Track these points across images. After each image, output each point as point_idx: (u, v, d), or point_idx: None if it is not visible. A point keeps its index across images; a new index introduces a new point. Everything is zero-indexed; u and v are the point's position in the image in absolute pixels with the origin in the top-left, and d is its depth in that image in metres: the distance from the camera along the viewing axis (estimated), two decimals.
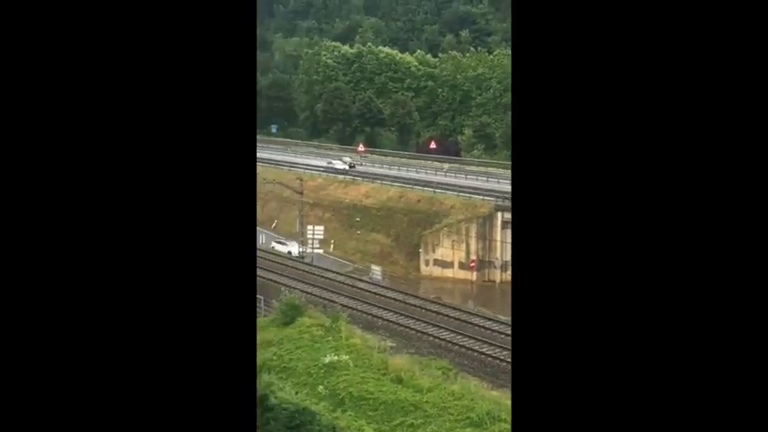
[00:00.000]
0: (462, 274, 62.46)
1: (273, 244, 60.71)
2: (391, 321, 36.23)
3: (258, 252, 55.36)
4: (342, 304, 38.12)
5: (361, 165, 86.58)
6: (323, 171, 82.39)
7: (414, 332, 34.53)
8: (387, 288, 45.07)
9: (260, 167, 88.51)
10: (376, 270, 56.79)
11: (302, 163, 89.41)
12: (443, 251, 63.25)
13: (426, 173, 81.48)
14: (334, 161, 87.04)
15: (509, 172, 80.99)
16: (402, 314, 37.45)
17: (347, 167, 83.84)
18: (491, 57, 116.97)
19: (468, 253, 62.55)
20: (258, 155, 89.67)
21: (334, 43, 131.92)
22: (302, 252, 58.88)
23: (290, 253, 58.63)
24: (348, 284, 45.02)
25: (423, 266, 64.28)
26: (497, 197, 63.58)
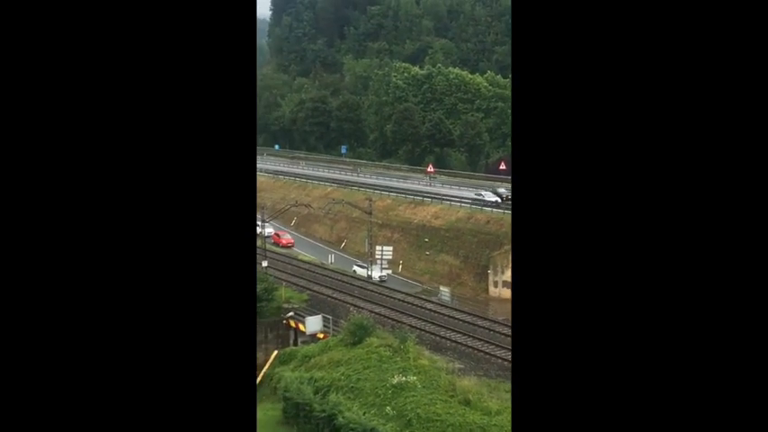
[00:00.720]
0: None
1: (355, 267, 59.52)
2: (459, 343, 36.00)
3: (329, 272, 55.66)
4: (410, 325, 38.03)
5: (430, 185, 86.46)
6: (391, 191, 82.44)
7: (482, 354, 34.25)
8: (455, 309, 44.82)
9: (329, 188, 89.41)
10: (445, 291, 56.54)
11: (432, 192, 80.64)
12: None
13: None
14: (483, 192, 76.19)
15: None
16: (470, 336, 37.19)
17: (499, 200, 71.80)
18: None
19: None
20: (327, 174, 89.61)
21: (404, 64, 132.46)
22: (383, 277, 57.73)
23: (370, 277, 56.99)
24: (417, 305, 44.91)
25: (491, 288, 63.76)
26: None
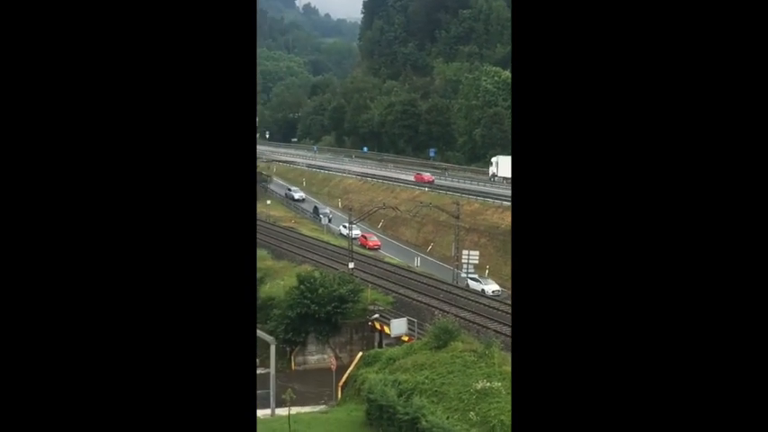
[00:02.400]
0: None
1: (468, 281, 57.97)
2: None
3: (415, 275, 55.65)
4: (495, 330, 37.77)
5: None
6: (478, 196, 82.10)
7: None
8: None
9: (417, 191, 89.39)
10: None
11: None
12: None
13: None
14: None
15: None
16: None
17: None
18: None
19: None
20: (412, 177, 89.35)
21: (494, 68, 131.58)
22: (497, 291, 55.64)
23: (483, 291, 54.60)
24: (502, 311, 44.57)
25: None
26: None
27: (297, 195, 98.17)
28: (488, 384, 29.21)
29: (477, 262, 59.33)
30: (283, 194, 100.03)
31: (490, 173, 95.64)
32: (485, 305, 46.03)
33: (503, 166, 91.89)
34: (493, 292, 55.20)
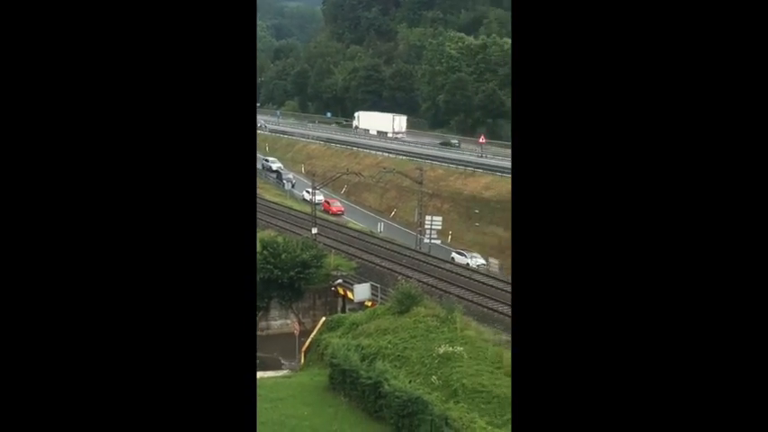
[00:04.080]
0: None
1: (453, 254, 57.68)
2: (507, 315, 35.89)
3: (378, 240, 55.77)
4: (458, 296, 38.06)
5: (482, 156, 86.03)
6: (443, 162, 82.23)
7: None
8: (503, 281, 44.72)
9: (380, 157, 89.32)
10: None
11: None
12: None
13: None
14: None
15: None
16: None
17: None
18: None
19: None
20: (378, 143, 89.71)
21: (458, 34, 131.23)
22: (483, 265, 55.36)
23: (467, 265, 53.81)
24: (465, 276, 44.88)
25: None
26: None
27: (275, 167, 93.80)
28: (450, 349, 29.45)
29: (440, 227, 59.53)
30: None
31: (353, 125, 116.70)
32: (447, 270, 46.31)
33: (363, 120, 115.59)
34: (477, 265, 55.02)
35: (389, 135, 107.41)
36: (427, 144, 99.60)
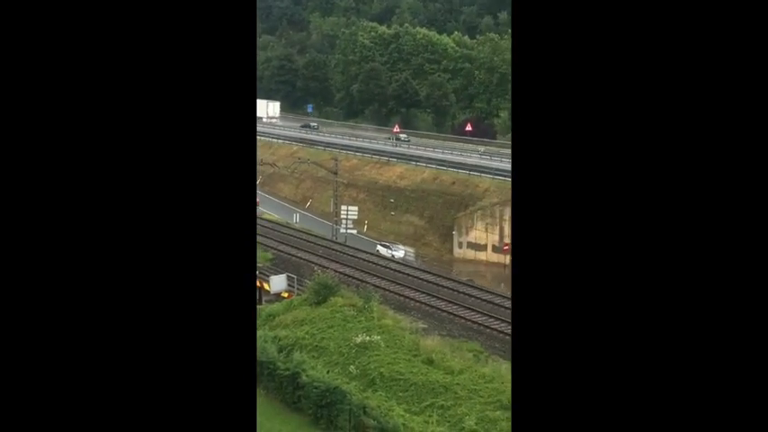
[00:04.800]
0: (495, 258, 62.29)
1: (378, 247, 57.51)
2: (423, 303, 36.24)
3: (294, 231, 55.55)
4: (374, 285, 38.20)
5: (396, 146, 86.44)
6: (357, 151, 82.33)
7: (446, 314, 34.52)
8: (419, 270, 45.08)
9: (295, 147, 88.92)
10: (400, 249, 56.76)
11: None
12: (477, 234, 63.10)
13: (461, 155, 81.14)
14: None
15: None
16: (434, 296, 37.44)
17: None
18: None
19: (501, 236, 62.31)
20: (293, 134, 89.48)
21: (371, 23, 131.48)
22: (407, 255, 55.74)
23: (393, 256, 53.67)
24: (382, 265, 45.07)
25: (456, 249, 64.20)
26: None
27: None
28: (368, 338, 29.56)
29: (356, 217, 59.68)
30: None
31: None
32: (364, 260, 46.43)
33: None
34: (403, 256, 55.12)
35: (264, 120, 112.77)
36: (294, 127, 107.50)
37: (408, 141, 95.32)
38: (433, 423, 23.86)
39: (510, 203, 61.48)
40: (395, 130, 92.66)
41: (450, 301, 36.44)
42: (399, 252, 56.71)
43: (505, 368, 26.79)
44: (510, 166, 68.34)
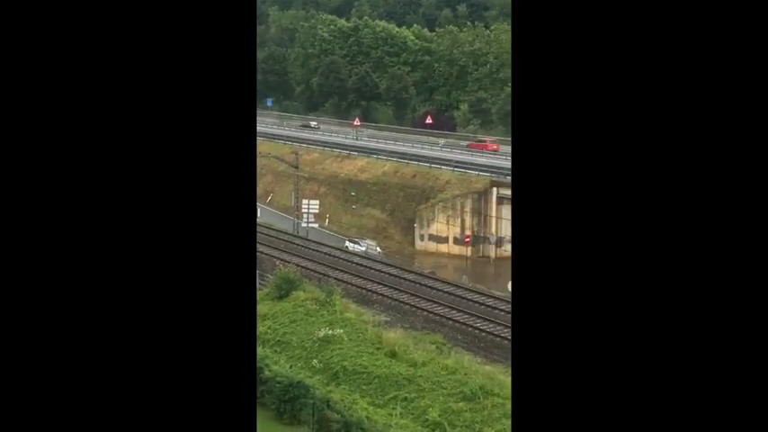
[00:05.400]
0: (457, 250, 62.58)
1: (347, 243, 57.07)
2: (386, 296, 36.33)
3: (259, 228, 55.23)
4: (336, 278, 38.19)
5: (357, 139, 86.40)
6: (318, 145, 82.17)
7: (408, 307, 34.63)
8: (381, 263, 45.14)
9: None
10: (365, 243, 56.70)
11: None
12: (438, 226, 63.31)
13: (422, 147, 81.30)
14: None
15: (506, 147, 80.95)
16: (396, 289, 37.54)
17: None
18: (488, 32, 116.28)
19: (462, 228, 62.60)
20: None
21: (330, 16, 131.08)
22: (379, 252, 55.21)
23: (366, 252, 53.28)
24: (344, 259, 45.06)
25: (417, 241, 64.34)
26: (493, 172, 63.55)
27: None
28: (330, 332, 29.54)
29: (317, 211, 59.55)
30: None
31: None
32: (325, 254, 46.39)
33: None
34: (365, 250, 54.75)
35: None
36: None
37: (318, 128, 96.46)
38: (396, 416, 23.93)
39: (470, 196, 61.96)
40: (355, 123, 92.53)
41: (413, 294, 36.57)
42: (362, 246, 56.51)
43: (468, 360, 26.96)
44: (469, 158, 68.44)
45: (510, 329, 30.78)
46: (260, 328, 31.82)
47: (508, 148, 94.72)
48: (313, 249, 47.70)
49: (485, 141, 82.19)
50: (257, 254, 45.42)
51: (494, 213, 61.50)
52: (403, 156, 74.82)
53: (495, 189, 61.56)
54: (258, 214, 64.20)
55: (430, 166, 69.75)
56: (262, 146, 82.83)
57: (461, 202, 63.03)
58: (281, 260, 42.44)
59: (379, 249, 56.07)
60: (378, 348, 28.19)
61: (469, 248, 62.15)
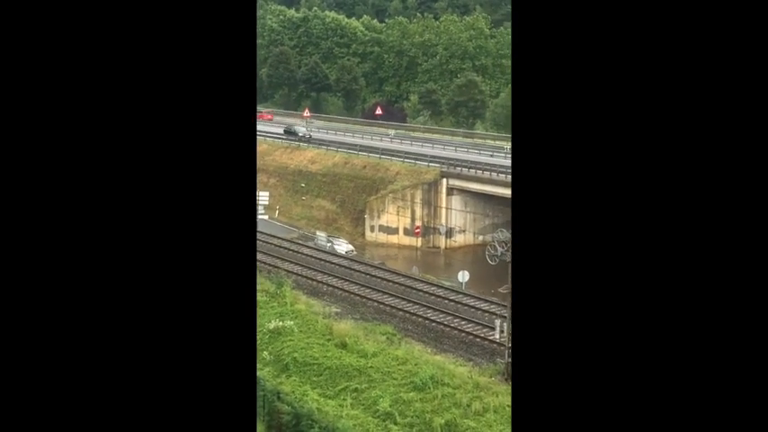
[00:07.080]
0: (407, 241, 62.73)
1: (319, 241, 55.09)
2: (336, 287, 36.33)
3: None
4: (287, 270, 38.07)
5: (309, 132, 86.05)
6: (268, 136, 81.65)
7: (358, 298, 34.69)
8: (331, 254, 45.09)
9: None
10: (322, 236, 56.54)
11: None
12: (388, 217, 63.37)
13: (372, 139, 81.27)
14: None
15: (454, 138, 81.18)
16: (347, 280, 37.56)
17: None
18: (437, 23, 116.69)
19: (413, 219, 62.75)
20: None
21: (279, 7, 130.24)
22: (351, 251, 53.57)
23: (346, 252, 51.97)
24: (293, 250, 44.93)
25: (368, 232, 64.33)
26: (443, 163, 63.79)
27: None
28: (281, 323, 29.47)
29: (267, 203, 59.18)
30: None
31: None
32: (275, 246, 46.21)
33: None
34: (346, 252, 53.73)
35: None
36: None
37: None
38: (347, 406, 23.95)
39: (420, 187, 62.11)
40: (305, 114, 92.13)
41: (363, 285, 36.62)
42: (344, 246, 55.50)
43: (418, 350, 27.10)
44: (419, 149, 68.31)
45: (459, 320, 31.08)
46: None
47: (280, 118, 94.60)
48: (263, 241, 47.45)
49: (261, 112, 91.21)
50: None
51: (444, 204, 61.74)
52: (353, 147, 74.72)
53: (444, 180, 61.79)
54: None
55: (380, 158, 69.75)
56: None
57: (411, 193, 63.14)
58: None
59: (353, 249, 55.44)
60: (328, 340, 28.19)
61: (420, 239, 62.35)
